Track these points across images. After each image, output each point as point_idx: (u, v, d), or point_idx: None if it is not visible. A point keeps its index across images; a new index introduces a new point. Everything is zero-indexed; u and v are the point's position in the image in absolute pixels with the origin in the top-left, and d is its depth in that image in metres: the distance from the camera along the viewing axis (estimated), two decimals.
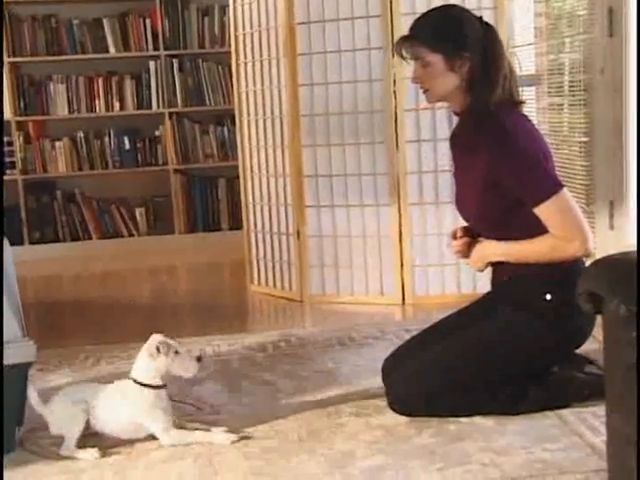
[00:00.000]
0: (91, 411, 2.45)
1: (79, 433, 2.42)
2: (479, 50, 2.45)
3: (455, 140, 2.68)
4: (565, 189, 2.42)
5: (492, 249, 2.55)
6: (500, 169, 2.42)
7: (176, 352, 2.42)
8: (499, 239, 2.53)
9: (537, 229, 2.42)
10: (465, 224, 2.69)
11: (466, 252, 2.62)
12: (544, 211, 2.40)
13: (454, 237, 2.66)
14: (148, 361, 2.42)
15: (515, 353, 2.51)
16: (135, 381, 2.44)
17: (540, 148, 2.47)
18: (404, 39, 2.53)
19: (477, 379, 2.49)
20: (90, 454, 2.38)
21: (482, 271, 2.64)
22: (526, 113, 2.67)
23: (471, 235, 2.63)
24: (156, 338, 2.43)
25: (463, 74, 2.47)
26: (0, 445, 2.26)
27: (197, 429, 2.48)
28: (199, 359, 2.45)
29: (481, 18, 2.53)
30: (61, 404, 2.47)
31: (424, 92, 2.57)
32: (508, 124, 2.44)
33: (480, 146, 2.46)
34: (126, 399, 2.44)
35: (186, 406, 2.71)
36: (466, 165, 2.56)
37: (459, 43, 2.46)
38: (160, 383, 2.44)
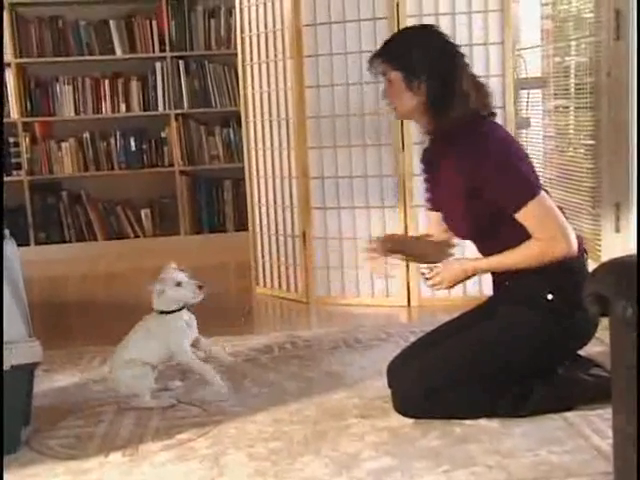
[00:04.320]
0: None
1: (151, 385, 2.75)
2: (437, 73, 2.47)
3: (427, 158, 2.70)
4: (543, 192, 2.44)
5: (475, 264, 2.57)
6: (476, 178, 2.43)
7: (178, 284, 2.72)
8: (491, 249, 2.53)
9: (527, 234, 2.43)
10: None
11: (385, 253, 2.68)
12: (525, 215, 2.41)
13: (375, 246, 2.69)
14: (158, 295, 2.75)
15: (517, 353, 2.51)
16: (159, 312, 2.78)
17: (514, 152, 2.49)
18: (373, 55, 2.58)
19: (481, 379, 2.48)
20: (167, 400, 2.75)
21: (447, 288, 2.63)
22: (531, 116, 2.67)
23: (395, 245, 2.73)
24: (164, 273, 2.76)
25: (422, 95, 2.49)
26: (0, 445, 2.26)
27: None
28: (200, 287, 2.73)
29: (448, 39, 2.53)
30: (124, 371, 2.74)
31: (393, 109, 2.61)
32: (479, 133, 2.46)
33: (453, 158, 2.48)
34: (150, 328, 2.79)
35: (192, 407, 2.72)
36: (444, 182, 2.57)
37: (416, 65, 2.48)
38: (175, 308, 2.76)
